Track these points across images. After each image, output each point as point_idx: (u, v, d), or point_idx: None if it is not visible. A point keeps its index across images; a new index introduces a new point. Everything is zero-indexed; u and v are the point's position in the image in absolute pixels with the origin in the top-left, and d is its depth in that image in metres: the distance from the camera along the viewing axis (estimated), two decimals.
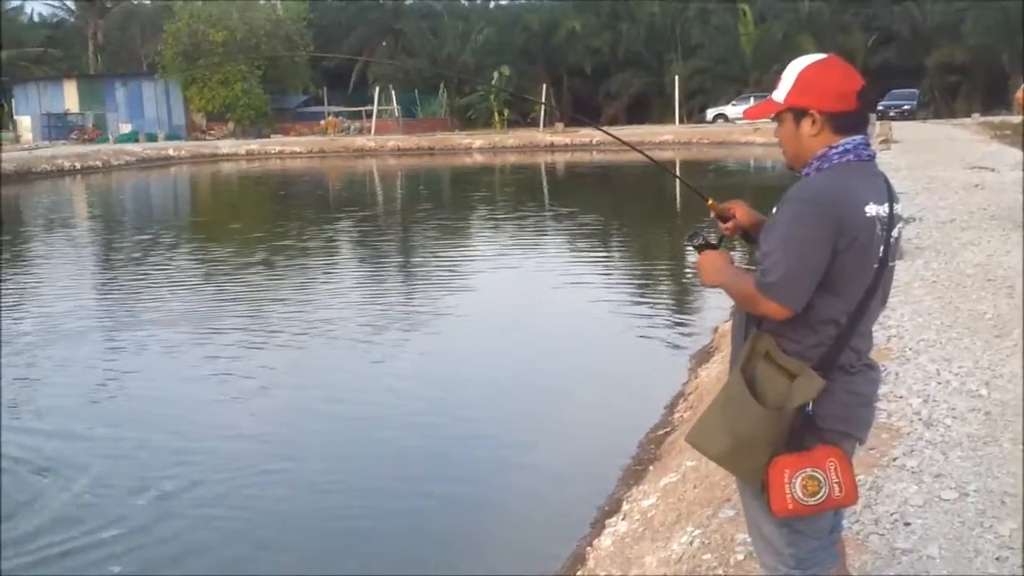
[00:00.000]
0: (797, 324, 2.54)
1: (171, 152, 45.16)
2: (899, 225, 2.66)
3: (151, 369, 9.31)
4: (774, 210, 2.62)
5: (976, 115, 45.02)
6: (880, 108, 47.96)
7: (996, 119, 41.57)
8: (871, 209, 2.53)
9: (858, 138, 2.61)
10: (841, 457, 2.56)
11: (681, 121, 53.85)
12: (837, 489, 2.54)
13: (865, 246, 2.52)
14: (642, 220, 21.27)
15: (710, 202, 3.04)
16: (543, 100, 54.82)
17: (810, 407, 2.54)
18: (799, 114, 2.62)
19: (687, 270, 14.74)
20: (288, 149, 47.52)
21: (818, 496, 2.53)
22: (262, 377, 8.79)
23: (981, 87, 56.07)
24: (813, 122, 2.60)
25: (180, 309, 12.10)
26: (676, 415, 7.12)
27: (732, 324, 2.83)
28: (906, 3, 59.10)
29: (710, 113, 54.57)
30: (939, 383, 5.64)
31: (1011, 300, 7.37)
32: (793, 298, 2.50)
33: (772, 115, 2.70)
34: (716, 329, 9.47)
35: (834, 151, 2.59)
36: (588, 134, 47.47)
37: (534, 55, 63.53)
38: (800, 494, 2.52)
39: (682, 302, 12.34)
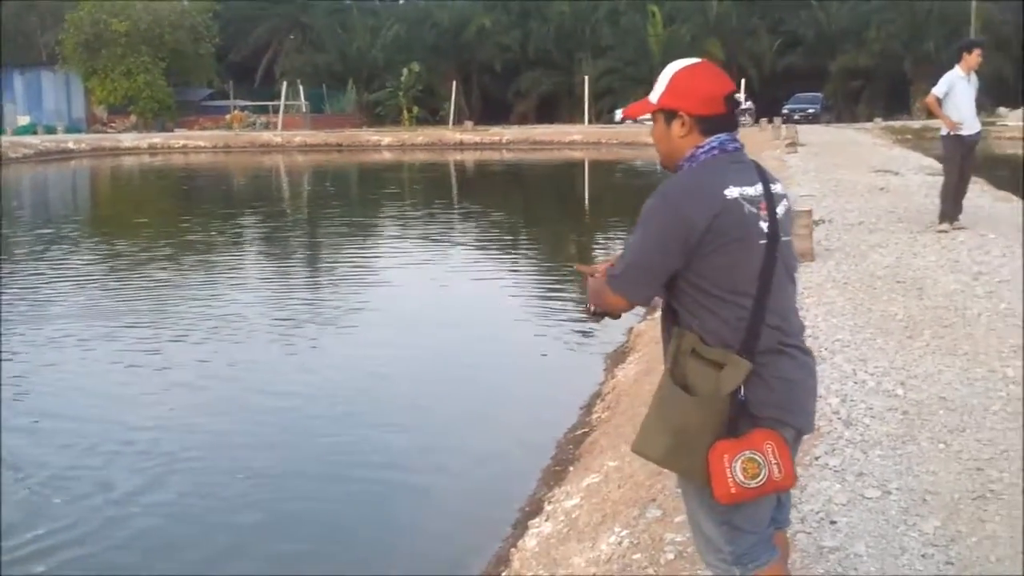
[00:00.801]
0: (704, 314, 2.62)
1: (71, 145, 43.85)
2: (783, 202, 2.72)
3: (59, 363, 9.01)
4: None
5: (878, 120, 46.14)
6: (785, 111, 48.91)
7: (897, 124, 42.72)
8: (732, 191, 2.60)
9: (724, 136, 2.71)
10: (778, 439, 2.60)
11: (590, 121, 54.19)
12: (776, 471, 2.57)
13: (733, 225, 2.58)
14: (552, 218, 21.30)
15: (577, 267, 3.09)
16: (453, 98, 54.76)
17: (742, 393, 2.59)
18: (670, 115, 2.73)
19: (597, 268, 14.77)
20: (192, 143, 46.61)
21: (759, 478, 2.56)
22: (175, 372, 8.59)
23: (883, 92, 57.53)
24: (682, 124, 2.71)
25: (83, 304, 11.76)
26: (594, 415, 7.08)
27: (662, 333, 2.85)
28: (812, 7, 60.27)
29: (619, 113, 54.91)
30: (856, 383, 5.71)
31: (920, 301, 7.51)
32: (631, 289, 2.67)
33: (645, 114, 2.82)
34: (631, 330, 9.46)
35: (700, 150, 2.70)
36: (498, 132, 47.50)
37: (444, 52, 63.30)
38: (741, 477, 2.55)
39: None
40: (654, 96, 2.77)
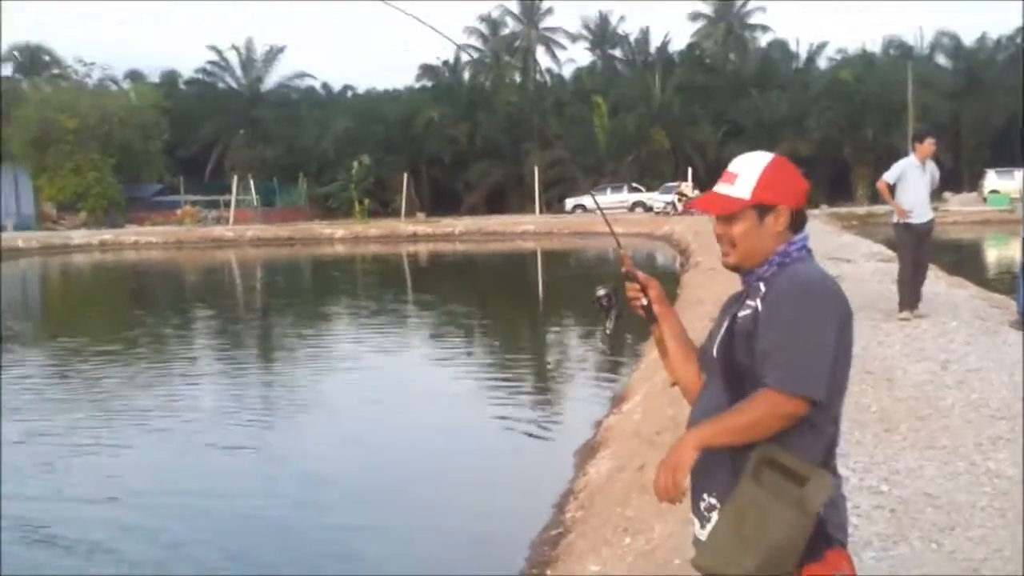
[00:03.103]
0: (801, 425, 2.45)
1: (20, 243, 43.42)
2: None
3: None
4: (754, 304, 2.56)
5: (824, 206, 47.02)
6: None
7: (843, 210, 43.50)
8: None
9: (805, 235, 2.63)
10: (850, 561, 2.52)
11: (541, 211, 54.65)
12: None
13: (852, 339, 2.52)
14: (509, 309, 21.35)
15: (622, 252, 2.95)
16: (404, 190, 55.12)
17: (821, 511, 2.43)
18: (764, 210, 2.59)
19: (559, 360, 14.80)
20: (143, 239, 46.35)
21: None
22: (124, 466, 8.52)
23: (825, 179, 58.77)
24: (778, 218, 2.58)
25: (31, 400, 11.66)
26: (567, 515, 6.97)
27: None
28: (753, 97, 61.64)
29: (569, 203, 55.51)
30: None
31: (892, 392, 7.54)
32: (818, 386, 2.39)
33: (735, 211, 2.63)
34: (600, 423, 9.40)
35: (793, 247, 2.58)
36: (450, 224, 47.76)
37: (393, 145, 63.76)
38: None
39: (557, 394, 12.30)
40: (742, 190, 2.61)
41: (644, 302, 2.84)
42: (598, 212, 3.59)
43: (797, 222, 2.60)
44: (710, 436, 2.51)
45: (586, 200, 54.33)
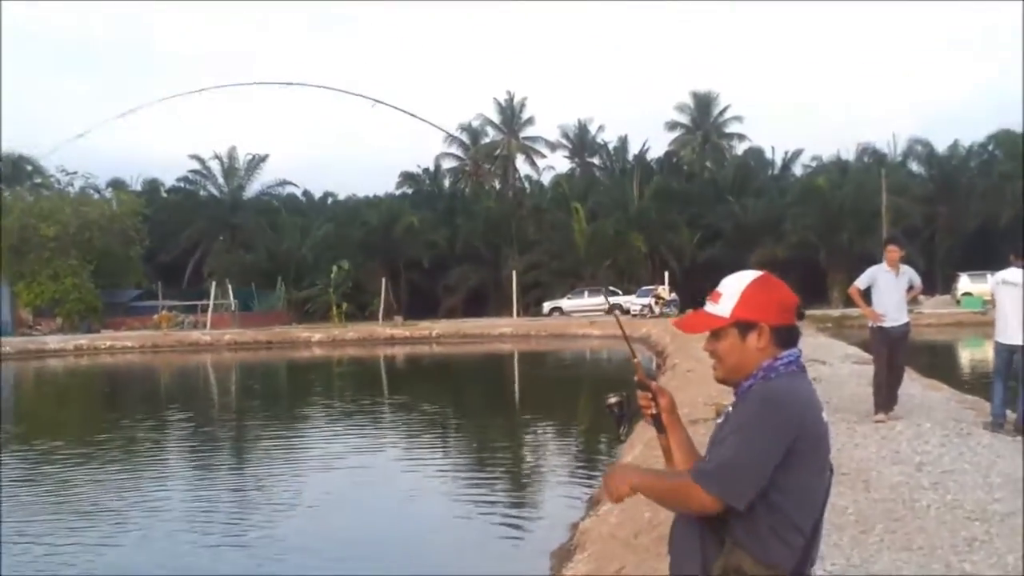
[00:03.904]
0: (766, 535, 2.49)
1: None
2: None
3: None
4: (728, 409, 2.61)
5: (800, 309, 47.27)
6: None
7: (818, 313, 43.78)
8: (825, 416, 2.60)
9: (796, 351, 2.66)
10: None
11: (518, 314, 54.83)
12: None
13: (822, 452, 2.56)
14: (484, 410, 21.26)
15: (636, 360, 3.01)
16: (382, 293, 55.24)
17: None
18: (745, 327, 2.65)
19: (534, 461, 14.70)
20: (120, 344, 46.08)
21: None
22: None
23: (801, 282, 59.24)
24: (760, 335, 2.63)
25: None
26: None
27: (672, 534, 2.72)
28: (729, 202, 62.47)
29: (547, 306, 55.75)
30: None
31: (867, 494, 7.51)
32: (733, 491, 2.48)
33: (713, 329, 2.71)
34: (576, 526, 9.29)
35: (779, 362, 2.63)
36: (427, 327, 47.80)
37: (373, 249, 64.16)
38: None
39: (533, 495, 12.19)
40: (723, 309, 2.70)
41: (654, 411, 2.87)
42: (615, 320, 3.65)
43: (786, 337, 2.66)
44: (640, 484, 2.68)
45: (563, 303, 54.63)
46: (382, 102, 3.57)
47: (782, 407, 2.51)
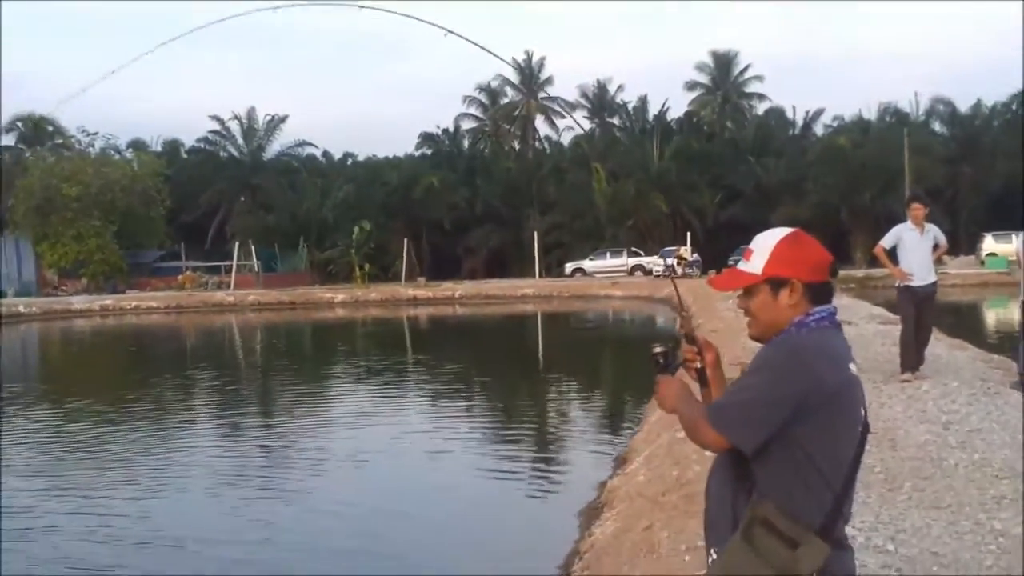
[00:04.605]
0: (792, 487, 2.51)
1: (21, 309, 43.58)
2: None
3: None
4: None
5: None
6: (731, 263, 49.83)
7: (841, 273, 43.60)
8: (853, 368, 2.61)
9: (831, 307, 2.69)
10: None
11: (540, 275, 54.85)
12: None
13: (851, 404, 2.57)
14: (509, 370, 21.32)
15: (683, 314, 3.06)
16: (404, 254, 55.36)
17: None
18: (776, 284, 2.68)
19: (560, 420, 14.80)
20: (144, 304, 46.46)
21: None
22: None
23: (823, 242, 58.72)
24: (792, 291, 2.66)
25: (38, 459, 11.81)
26: (573, 574, 6.97)
27: (708, 489, 2.76)
28: (750, 162, 62.11)
29: (568, 267, 55.75)
30: None
31: (895, 453, 7.58)
32: (738, 430, 2.52)
33: (746, 286, 2.75)
34: (604, 484, 9.38)
35: (811, 318, 2.65)
36: (450, 288, 47.91)
37: (393, 210, 64.14)
38: None
39: (559, 454, 12.28)
40: (755, 266, 2.72)
41: (699, 365, 2.93)
42: (670, 281, 3.66)
43: (818, 294, 2.68)
44: (676, 409, 2.77)
45: (585, 264, 54.61)
46: (453, 32, 3.65)
47: (798, 356, 2.54)
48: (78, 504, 9.75)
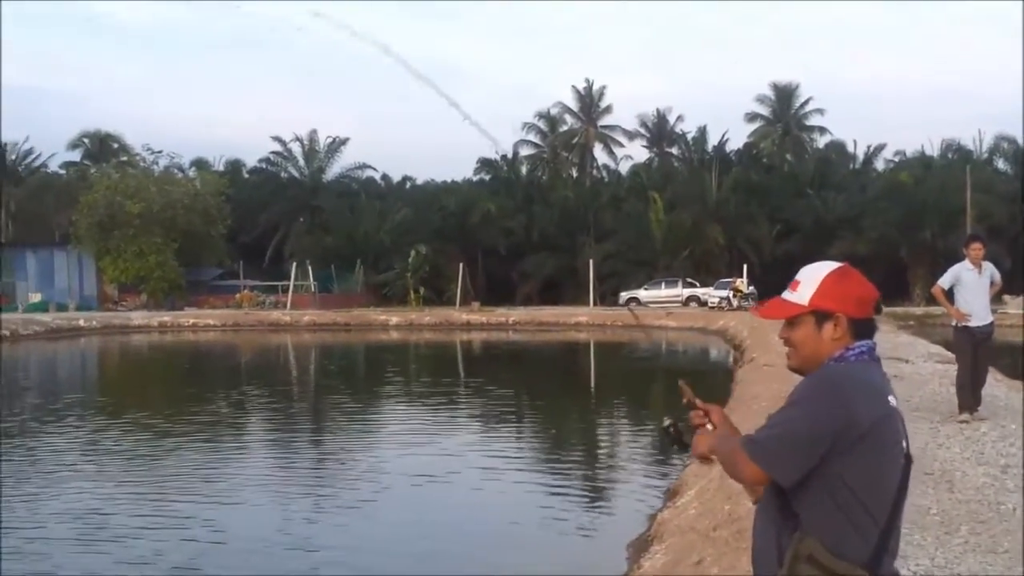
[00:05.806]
0: (837, 520, 2.51)
1: (81, 323, 44.47)
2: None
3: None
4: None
5: (880, 306, 46.54)
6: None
7: (900, 310, 43.11)
8: (892, 401, 2.59)
9: (870, 341, 2.70)
10: None
11: (595, 303, 54.76)
12: None
13: (892, 437, 2.56)
14: (561, 398, 21.32)
15: (682, 383, 3.02)
16: (459, 279, 55.54)
17: None
18: (823, 317, 2.69)
19: (610, 449, 14.78)
20: (202, 321, 47.13)
21: None
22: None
23: (882, 278, 58.29)
24: (836, 325, 2.67)
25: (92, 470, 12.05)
26: None
27: (755, 524, 2.76)
28: (809, 196, 61.63)
29: (623, 296, 55.59)
30: None
31: (951, 495, 7.50)
32: (776, 463, 2.52)
33: (790, 316, 2.76)
34: (654, 517, 9.35)
35: (851, 352, 2.65)
36: (504, 313, 48.02)
37: (450, 235, 64.36)
38: None
39: (610, 485, 12.27)
40: (802, 297, 2.73)
41: (710, 427, 2.95)
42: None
43: (862, 330, 2.69)
44: (712, 448, 2.79)
45: (640, 293, 54.48)
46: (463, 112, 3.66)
47: (837, 390, 2.53)
48: (151, 508, 10.14)
